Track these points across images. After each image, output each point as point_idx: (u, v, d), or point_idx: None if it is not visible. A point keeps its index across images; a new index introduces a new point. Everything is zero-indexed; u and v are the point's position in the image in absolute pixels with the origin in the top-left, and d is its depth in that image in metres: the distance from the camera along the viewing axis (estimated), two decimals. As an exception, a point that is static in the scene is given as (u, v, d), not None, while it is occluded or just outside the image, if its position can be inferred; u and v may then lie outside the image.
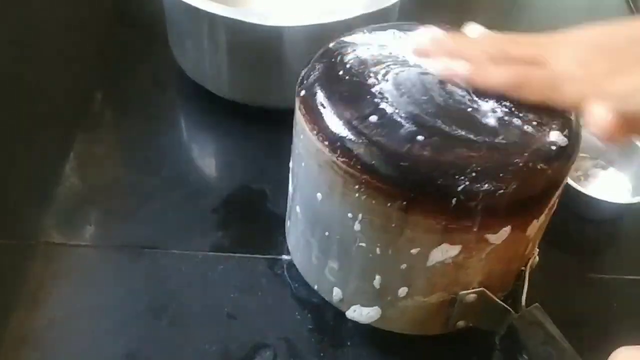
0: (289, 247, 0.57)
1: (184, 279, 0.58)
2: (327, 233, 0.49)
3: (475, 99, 0.45)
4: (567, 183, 0.61)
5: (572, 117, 0.46)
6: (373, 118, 0.43)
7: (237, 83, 0.68)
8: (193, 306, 0.57)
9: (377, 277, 0.48)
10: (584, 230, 0.64)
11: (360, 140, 0.43)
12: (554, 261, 0.60)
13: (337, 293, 0.52)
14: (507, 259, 0.48)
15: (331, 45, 0.50)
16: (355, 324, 0.54)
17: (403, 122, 0.43)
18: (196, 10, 0.62)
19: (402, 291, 0.48)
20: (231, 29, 0.63)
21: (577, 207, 0.63)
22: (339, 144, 0.43)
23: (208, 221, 0.62)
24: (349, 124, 0.43)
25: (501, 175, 0.42)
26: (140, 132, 0.71)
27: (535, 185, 0.43)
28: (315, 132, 0.45)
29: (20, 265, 0.59)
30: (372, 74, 0.46)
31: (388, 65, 0.47)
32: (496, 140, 0.43)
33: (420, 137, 0.42)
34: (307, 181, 0.48)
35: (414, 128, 0.43)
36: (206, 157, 0.71)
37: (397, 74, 0.47)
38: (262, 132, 0.69)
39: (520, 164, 0.42)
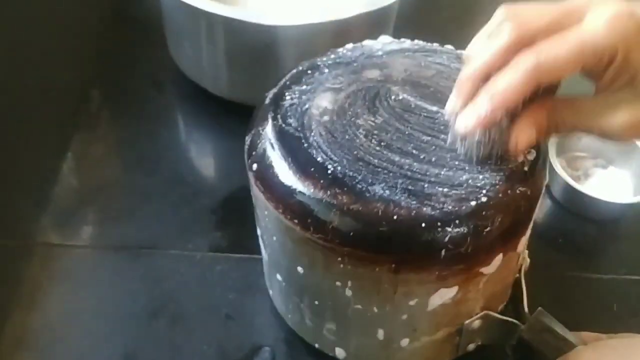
0: (277, 308, 0.54)
1: (182, 280, 0.58)
2: (317, 301, 0.47)
3: (437, 133, 0.43)
4: (567, 183, 0.61)
5: None
6: (338, 183, 0.40)
7: (234, 82, 0.68)
8: (191, 307, 0.56)
9: (380, 331, 0.46)
10: (584, 230, 0.63)
11: (332, 212, 0.39)
12: (554, 261, 0.60)
13: (340, 352, 0.50)
14: (503, 278, 0.47)
15: (268, 100, 0.46)
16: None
17: (371, 180, 0.40)
18: (194, 9, 0.61)
19: (407, 338, 0.47)
20: (229, 28, 0.63)
21: (577, 207, 0.63)
22: (309, 220, 0.40)
23: (206, 222, 0.62)
24: (316, 195, 0.40)
25: (484, 213, 0.39)
26: (137, 132, 0.70)
27: (519, 209, 0.41)
28: (280, 210, 0.41)
29: (18, 266, 0.59)
30: (322, 129, 0.43)
31: (336, 114, 0.44)
32: (469, 176, 0.40)
33: (394, 195, 0.39)
34: (283, 255, 0.46)
35: (384, 185, 0.40)
36: (204, 157, 0.71)
37: (347, 121, 0.43)
38: (261, 132, 0.68)
39: (500, 195, 0.40)
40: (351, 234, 0.39)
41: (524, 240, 0.45)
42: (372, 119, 0.44)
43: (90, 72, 0.77)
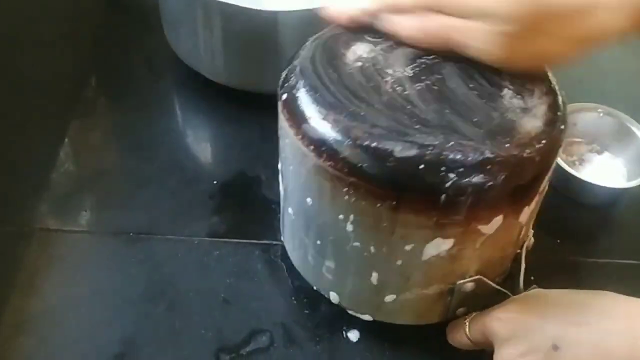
0: (286, 248, 0.57)
1: (180, 265, 0.58)
2: (320, 234, 0.49)
3: (459, 87, 0.45)
4: (562, 168, 0.62)
5: (558, 97, 0.46)
6: (357, 119, 0.43)
7: (232, 68, 0.68)
8: (189, 292, 0.57)
9: (374, 274, 0.48)
10: (578, 214, 0.64)
11: (346, 143, 0.42)
12: (549, 246, 0.60)
13: (334, 297, 0.52)
14: (502, 246, 0.48)
15: (310, 42, 0.49)
16: (351, 308, 0.54)
17: (387, 121, 0.42)
18: (191, -5, 0.61)
19: (399, 287, 0.48)
20: (226, 14, 0.63)
21: (572, 192, 0.63)
22: (324, 148, 0.43)
23: (204, 207, 0.63)
24: (333, 127, 0.43)
25: (489, 167, 0.41)
26: (135, 118, 0.70)
27: (524, 173, 0.43)
28: (299, 137, 0.44)
29: (16, 251, 0.59)
30: (353, 72, 0.46)
31: (369, 62, 0.46)
32: (481, 131, 0.42)
33: (405, 137, 0.41)
34: (296, 185, 0.48)
35: (398, 127, 0.42)
36: (201, 143, 0.71)
37: (378, 69, 0.46)
38: (258, 118, 0.69)
39: (507, 155, 0.41)
40: (359, 164, 0.42)
41: (527, 211, 0.46)
42: (402, 70, 0.46)
43: (87, 58, 0.76)
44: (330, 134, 0.43)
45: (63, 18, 0.80)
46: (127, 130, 0.70)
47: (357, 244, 0.46)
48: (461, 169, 0.41)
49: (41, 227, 0.61)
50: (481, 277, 0.48)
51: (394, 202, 0.42)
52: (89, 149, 0.68)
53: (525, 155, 0.42)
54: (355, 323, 0.55)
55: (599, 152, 0.67)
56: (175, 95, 0.75)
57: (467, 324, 0.49)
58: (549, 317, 0.44)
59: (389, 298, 0.49)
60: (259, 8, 0.60)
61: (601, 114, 0.66)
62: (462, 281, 0.48)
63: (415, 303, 0.50)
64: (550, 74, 0.47)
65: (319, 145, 0.43)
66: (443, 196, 0.41)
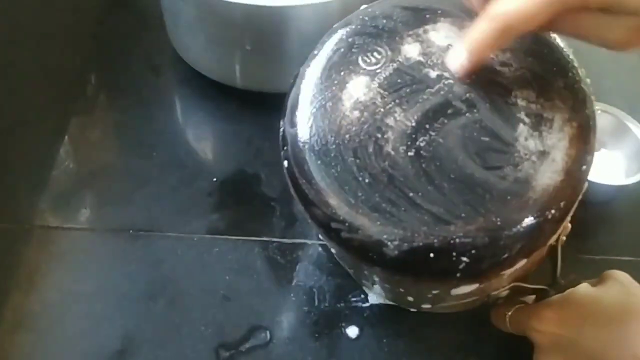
0: None
1: (179, 262, 0.59)
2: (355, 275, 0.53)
3: (465, 134, 0.38)
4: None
5: (586, 113, 0.40)
6: (366, 201, 0.38)
7: (234, 67, 0.68)
8: (189, 288, 0.57)
9: (409, 297, 0.49)
10: (576, 211, 0.64)
11: (350, 232, 0.38)
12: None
13: (372, 298, 0.56)
14: (532, 264, 0.45)
15: (301, 77, 0.42)
16: (350, 305, 0.54)
17: (390, 203, 0.38)
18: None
19: (434, 303, 0.49)
20: (228, 11, 0.62)
21: (570, 189, 0.63)
22: (332, 234, 0.39)
23: (203, 204, 0.63)
24: (338, 212, 0.38)
25: (502, 243, 0.37)
26: (135, 115, 0.70)
27: (544, 234, 0.38)
28: (309, 215, 0.40)
29: (16, 249, 0.59)
30: (351, 131, 0.40)
31: (368, 110, 0.40)
32: (491, 201, 0.37)
33: (411, 221, 0.37)
34: None
35: (402, 211, 0.38)
36: (201, 141, 0.71)
37: (377, 121, 0.39)
38: (258, 115, 0.69)
39: (521, 225, 0.37)
40: (369, 254, 0.39)
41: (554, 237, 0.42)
42: (404, 119, 0.39)
43: (87, 55, 0.76)
44: (337, 220, 0.39)
45: (63, 15, 0.80)
46: (127, 128, 0.70)
47: (387, 285, 0.50)
48: (473, 251, 0.37)
49: (41, 224, 0.61)
50: (516, 284, 0.46)
51: (410, 279, 0.41)
52: (89, 146, 0.68)
53: (543, 218, 0.38)
54: (354, 319, 0.55)
55: (597, 150, 0.67)
56: (175, 92, 0.75)
57: (508, 319, 0.50)
58: (586, 334, 0.45)
59: (425, 306, 0.50)
60: (261, 5, 0.60)
61: (599, 112, 0.66)
62: (496, 292, 0.47)
63: (451, 308, 0.51)
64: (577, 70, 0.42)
65: (327, 231, 0.40)
66: (457, 274, 0.38)
